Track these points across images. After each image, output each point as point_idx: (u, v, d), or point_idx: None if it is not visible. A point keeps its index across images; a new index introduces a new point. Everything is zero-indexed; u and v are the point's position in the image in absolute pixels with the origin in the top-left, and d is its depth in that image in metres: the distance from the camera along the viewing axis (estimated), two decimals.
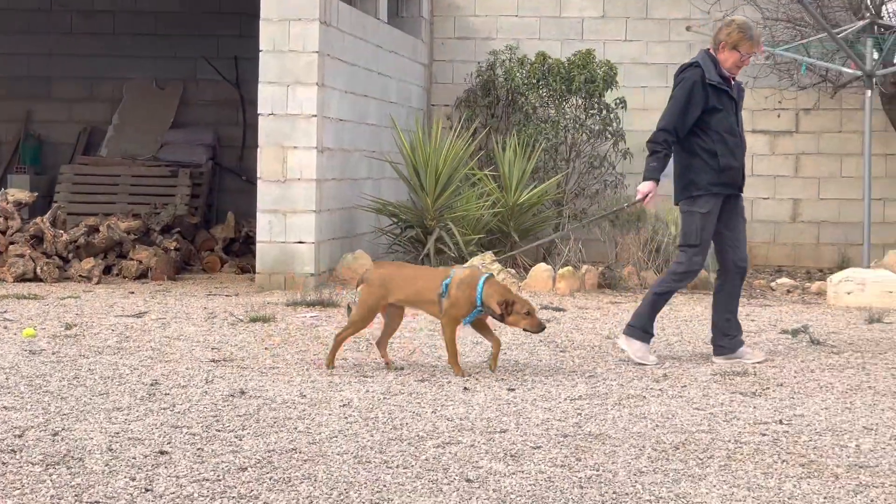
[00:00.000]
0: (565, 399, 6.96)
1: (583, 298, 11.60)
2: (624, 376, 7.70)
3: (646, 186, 8.17)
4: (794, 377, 7.75)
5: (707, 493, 5.08)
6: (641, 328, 8.18)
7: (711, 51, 8.21)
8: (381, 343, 7.89)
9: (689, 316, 10.57)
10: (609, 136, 14.68)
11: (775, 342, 9.17)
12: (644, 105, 15.42)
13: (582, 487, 5.15)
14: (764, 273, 14.39)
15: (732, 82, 8.22)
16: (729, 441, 6.00)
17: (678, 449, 5.83)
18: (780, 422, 6.45)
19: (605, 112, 14.62)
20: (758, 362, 8.16)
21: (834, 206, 15.27)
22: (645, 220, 13.72)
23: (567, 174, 14.60)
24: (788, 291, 12.52)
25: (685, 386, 7.40)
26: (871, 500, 5.01)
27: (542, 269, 12.15)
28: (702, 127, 8.12)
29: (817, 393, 7.26)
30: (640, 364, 8.06)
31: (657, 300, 8.24)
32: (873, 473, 5.43)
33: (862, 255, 12.67)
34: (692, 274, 8.25)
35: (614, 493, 5.08)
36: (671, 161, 8.24)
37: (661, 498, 5.01)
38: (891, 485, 5.24)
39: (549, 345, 8.83)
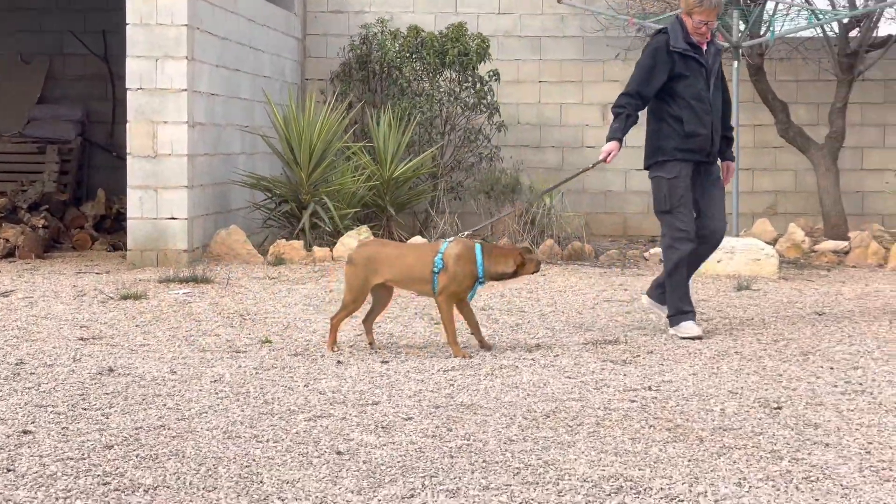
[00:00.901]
0: (438, 370, 6.98)
1: None
2: (497, 347, 7.73)
3: (608, 146, 8.14)
4: (664, 344, 7.86)
5: (575, 460, 5.13)
6: (677, 312, 8.17)
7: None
8: (367, 322, 7.66)
9: (563, 287, 10.66)
10: (483, 108, 14.71)
11: (647, 311, 9.27)
12: (518, 78, 15.49)
13: (452, 457, 5.17)
14: (638, 243, 14.58)
15: (705, 48, 8.11)
16: (598, 408, 6.06)
17: (549, 417, 5.88)
18: (649, 388, 6.53)
19: (479, 85, 14.65)
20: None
21: None
22: (520, 192, 13.81)
23: (442, 147, 14.62)
24: (661, 261, 12.67)
25: (557, 355, 7.46)
26: (734, 462, 5.10)
27: (418, 241, 12.16)
28: (669, 93, 8.09)
29: (686, 359, 7.37)
30: (695, 338, 7.98)
31: (671, 280, 8.20)
32: (736, 436, 5.53)
33: (731, 224, 12.86)
34: (682, 240, 8.16)
35: (484, 461, 5.11)
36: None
37: (530, 465, 5.05)
38: (753, 446, 5.34)
39: (424, 317, 8.84)
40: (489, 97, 14.72)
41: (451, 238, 7.53)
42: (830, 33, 14.29)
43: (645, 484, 4.81)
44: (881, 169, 15.41)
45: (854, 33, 14.17)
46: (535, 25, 15.56)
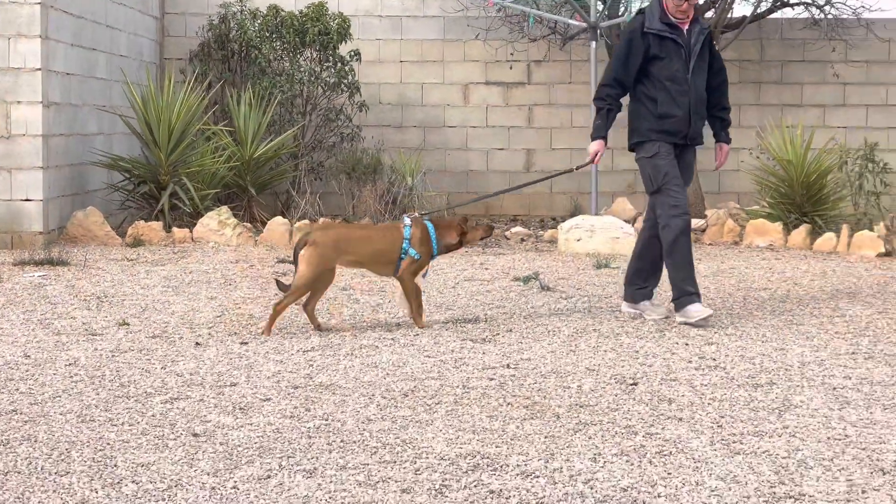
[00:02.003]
0: (298, 351, 6.95)
1: None
2: (357, 327, 7.73)
3: (593, 146, 8.02)
4: (524, 322, 7.93)
5: (433, 438, 5.16)
6: (681, 294, 7.84)
7: None
8: (309, 306, 7.54)
9: None
10: (344, 88, 14.65)
11: (507, 289, 9.36)
12: (379, 57, 15.46)
13: (310, 437, 5.16)
14: (500, 222, 14.68)
15: (687, 28, 8.00)
16: (457, 387, 6.10)
17: (407, 396, 5.90)
18: (508, 366, 6.59)
19: (340, 65, 14.59)
20: (657, 318, 7.99)
21: (566, 156, 15.64)
22: (381, 172, 13.79)
23: (303, 127, 14.53)
24: (522, 240, 12.80)
25: (417, 335, 7.48)
26: (590, 437, 5.17)
27: (279, 222, 12.10)
28: (644, 74, 7.99)
29: (545, 337, 7.44)
30: (706, 319, 7.75)
31: (671, 260, 7.88)
32: (593, 412, 5.60)
33: (591, 203, 13.01)
34: (675, 217, 7.84)
35: (342, 441, 5.10)
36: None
37: (387, 444, 5.06)
38: (608, 422, 5.42)
39: None
40: (350, 77, 14.67)
41: (408, 219, 7.67)
42: None
43: (502, 461, 4.85)
44: (736, 148, 15.65)
45: (709, 14, 14.42)
46: (395, 5, 15.54)
